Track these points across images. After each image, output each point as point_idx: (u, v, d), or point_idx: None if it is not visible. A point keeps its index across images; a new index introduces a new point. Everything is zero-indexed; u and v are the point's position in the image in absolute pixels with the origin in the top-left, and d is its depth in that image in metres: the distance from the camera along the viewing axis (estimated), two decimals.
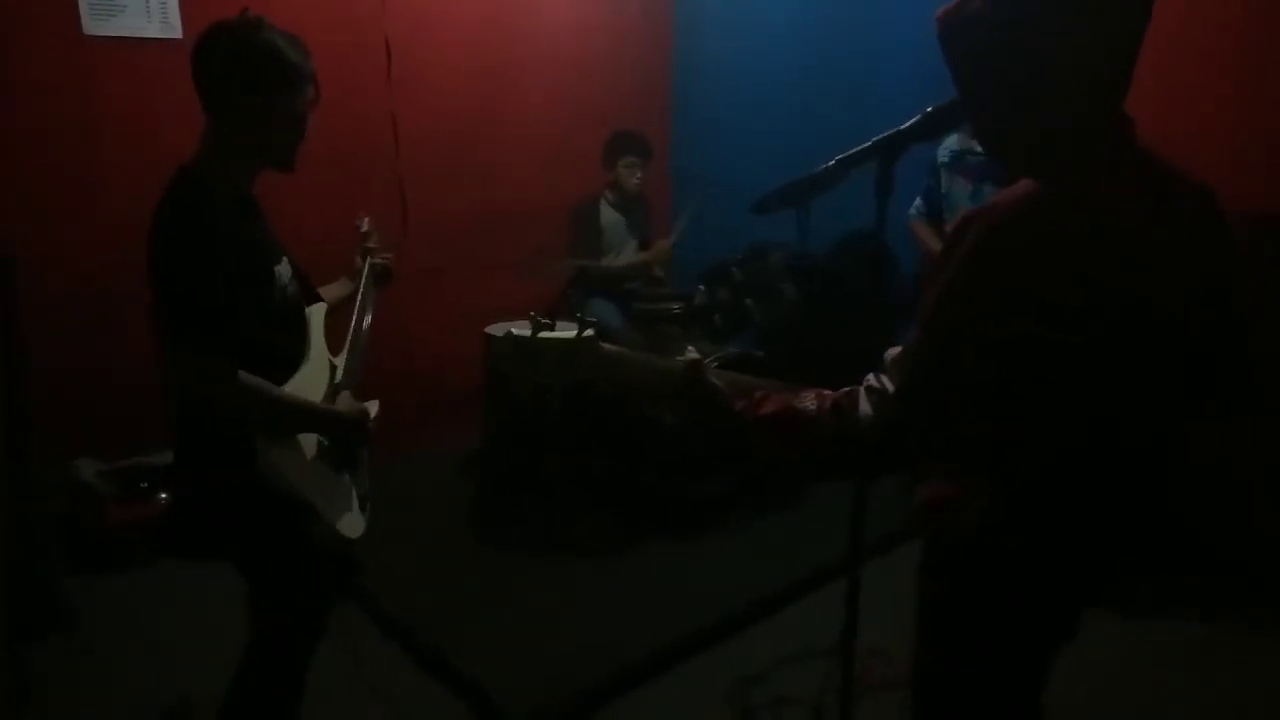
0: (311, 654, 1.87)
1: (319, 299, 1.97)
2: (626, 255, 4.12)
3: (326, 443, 1.82)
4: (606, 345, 1.36)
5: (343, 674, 2.32)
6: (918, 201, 3.37)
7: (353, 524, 1.84)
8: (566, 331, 1.35)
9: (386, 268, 2.20)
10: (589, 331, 1.34)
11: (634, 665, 2.55)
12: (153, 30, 3.21)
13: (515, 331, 1.34)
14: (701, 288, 3.73)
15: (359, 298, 2.09)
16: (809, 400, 1.26)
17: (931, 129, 1.43)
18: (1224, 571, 2.85)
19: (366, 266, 2.15)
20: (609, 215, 4.09)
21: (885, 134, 1.45)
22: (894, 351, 1.21)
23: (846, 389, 1.25)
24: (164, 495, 3.17)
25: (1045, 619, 1.33)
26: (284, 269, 1.79)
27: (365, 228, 2.22)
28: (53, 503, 3.08)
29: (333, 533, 1.75)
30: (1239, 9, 2.78)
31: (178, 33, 3.22)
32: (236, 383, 1.57)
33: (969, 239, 1.13)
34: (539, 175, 4.35)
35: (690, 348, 1.38)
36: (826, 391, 1.27)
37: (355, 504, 1.88)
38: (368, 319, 2.08)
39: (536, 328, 1.34)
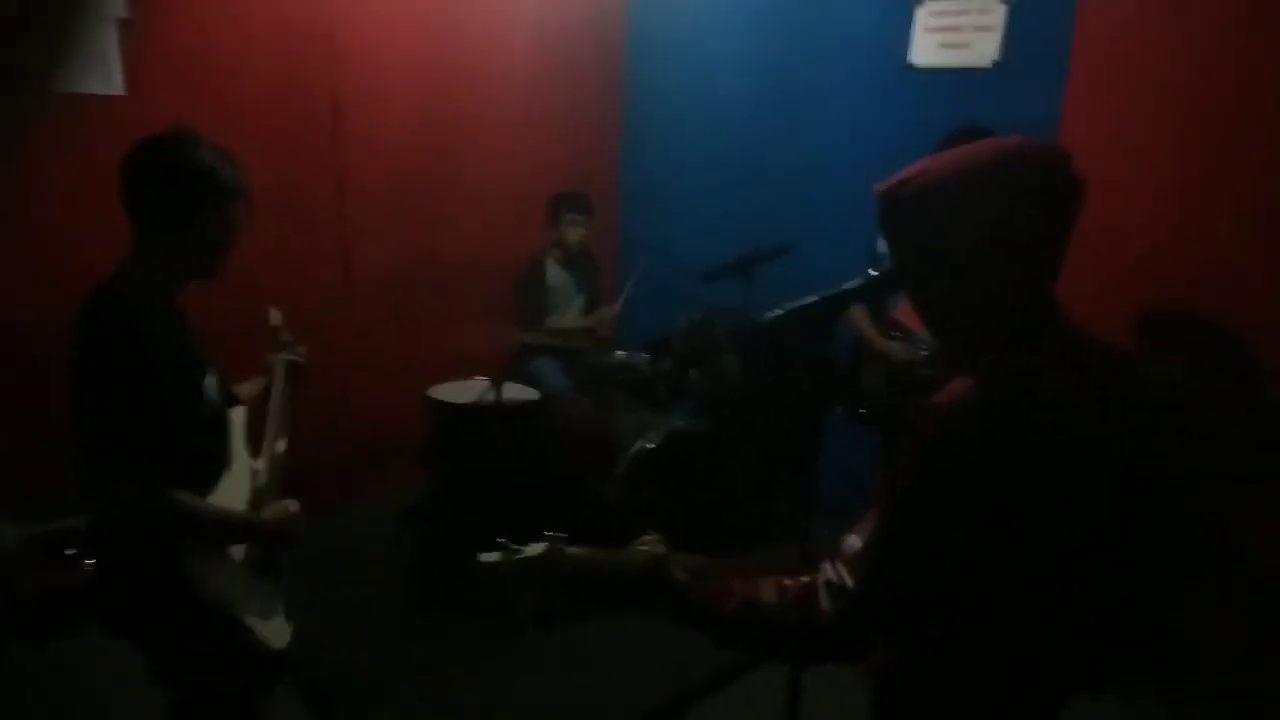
0: None
1: (239, 402, 1.95)
2: (574, 313, 4.13)
3: (251, 551, 1.80)
4: (571, 550, 1.35)
5: None
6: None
7: (278, 632, 1.83)
8: (534, 546, 1.35)
9: (299, 365, 2.15)
10: (557, 544, 1.35)
11: None
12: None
13: (484, 558, 1.34)
14: (646, 356, 3.77)
15: (273, 397, 2.06)
16: (770, 592, 1.28)
17: (874, 292, 1.48)
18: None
19: (280, 363, 2.11)
20: (555, 274, 4.11)
21: (829, 292, 1.50)
22: (853, 543, 1.23)
23: (806, 580, 1.26)
24: (90, 562, 3.08)
25: None
26: (211, 380, 1.77)
27: (276, 321, 2.19)
28: None
29: (257, 642, 1.74)
30: None
31: None
32: (169, 501, 1.56)
33: (920, 442, 1.17)
34: (486, 233, 4.35)
35: (650, 537, 1.39)
36: (787, 581, 1.28)
37: (281, 612, 1.87)
38: (287, 417, 2.06)
39: (505, 553, 1.34)
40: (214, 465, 1.78)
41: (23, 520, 3.11)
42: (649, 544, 1.37)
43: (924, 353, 3.11)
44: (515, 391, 3.58)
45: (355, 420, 3.95)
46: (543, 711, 2.71)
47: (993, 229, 1.20)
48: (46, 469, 3.03)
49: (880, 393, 3.30)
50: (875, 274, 1.47)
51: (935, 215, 1.23)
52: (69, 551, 3.09)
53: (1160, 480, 1.35)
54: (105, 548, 1.72)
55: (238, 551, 1.78)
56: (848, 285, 1.49)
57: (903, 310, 3.25)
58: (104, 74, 3.13)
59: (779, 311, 1.58)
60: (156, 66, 3.22)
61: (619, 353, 3.96)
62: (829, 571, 1.23)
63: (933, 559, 1.18)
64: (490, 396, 3.34)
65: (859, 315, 3.38)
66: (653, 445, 3.27)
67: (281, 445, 2.01)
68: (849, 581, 1.21)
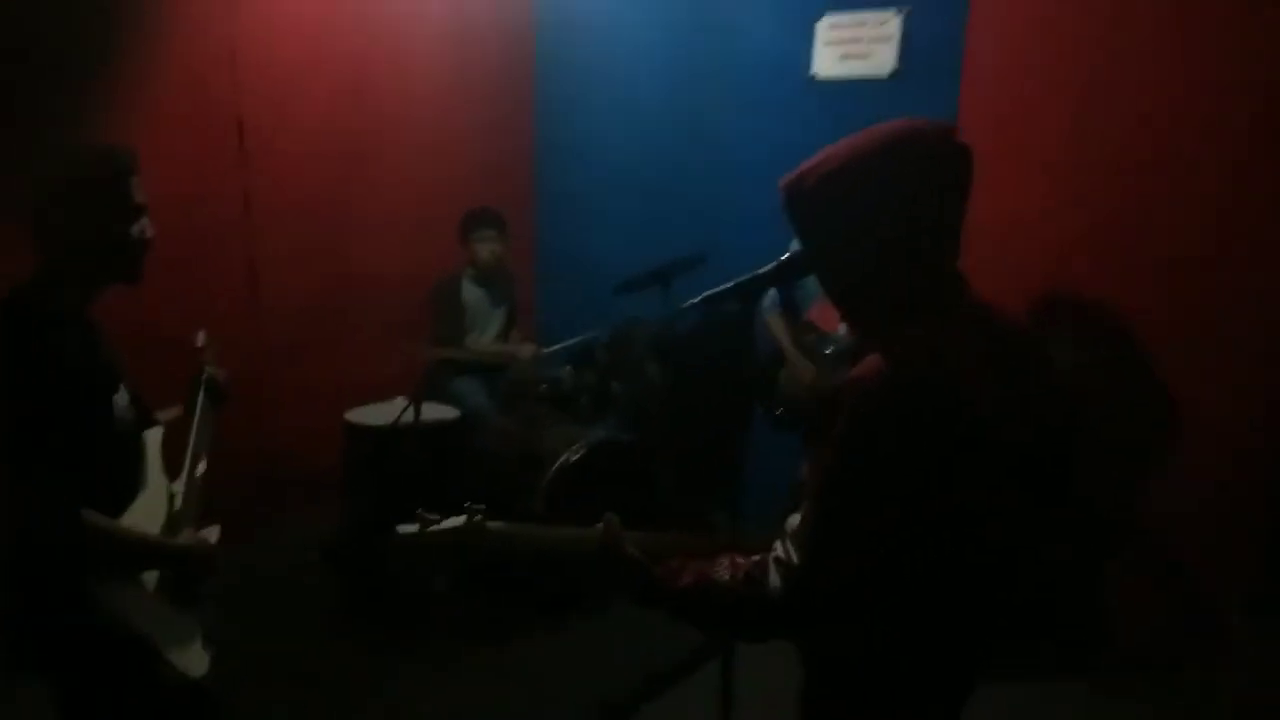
0: None
1: (155, 423, 1.89)
2: (491, 335, 4.10)
3: (167, 577, 1.73)
4: (493, 524, 1.35)
5: None
6: (772, 293, 3.51)
7: (196, 661, 1.75)
8: (453, 519, 1.33)
9: (219, 384, 2.10)
10: (477, 516, 1.33)
11: None
12: None
13: (402, 530, 1.32)
14: (568, 368, 3.76)
15: (195, 418, 2.01)
16: (723, 570, 1.30)
17: (787, 275, 1.51)
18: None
19: (199, 384, 2.06)
20: (471, 292, 4.07)
21: (743, 278, 1.53)
22: (793, 520, 1.27)
23: (757, 558, 1.29)
24: None
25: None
26: (121, 396, 1.72)
27: (201, 342, 2.14)
28: None
29: (174, 672, 1.67)
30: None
31: None
32: (76, 520, 1.49)
33: (842, 420, 1.20)
34: (399, 251, 4.29)
35: (610, 516, 1.39)
36: (740, 559, 1.31)
37: (198, 640, 1.79)
38: (208, 437, 2.00)
39: (424, 524, 1.32)
40: (126, 486, 1.72)
41: None
42: (606, 523, 1.37)
43: (829, 351, 3.22)
44: (435, 411, 3.53)
45: (268, 446, 3.83)
46: None
47: (892, 205, 1.25)
48: None
49: (797, 396, 3.37)
50: (785, 257, 1.50)
51: (837, 200, 1.28)
52: None
53: (1065, 452, 1.42)
54: (10, 575, 1.63)
55: (150, 577, 1.70)
56: (760, 270, 1.53)
57: (816, 312, 3.34)
58: None
59: (696, 300, 1.61)
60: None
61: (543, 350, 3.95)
62: (779, 549, 1.26)
63: (863, 531, 1.21)
64: (408, 417, 3.28)
65: (777, 326, 3.45)
66: (577, 457, 3.26)
67: (201, 467, 1.95)
68: (795, 557, 1.23)
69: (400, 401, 3.43)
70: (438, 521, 1.32)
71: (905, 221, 1.26)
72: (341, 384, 3.85)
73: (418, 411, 3.31)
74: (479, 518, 1.32)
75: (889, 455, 1.19)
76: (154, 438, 1.85)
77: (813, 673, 1.42)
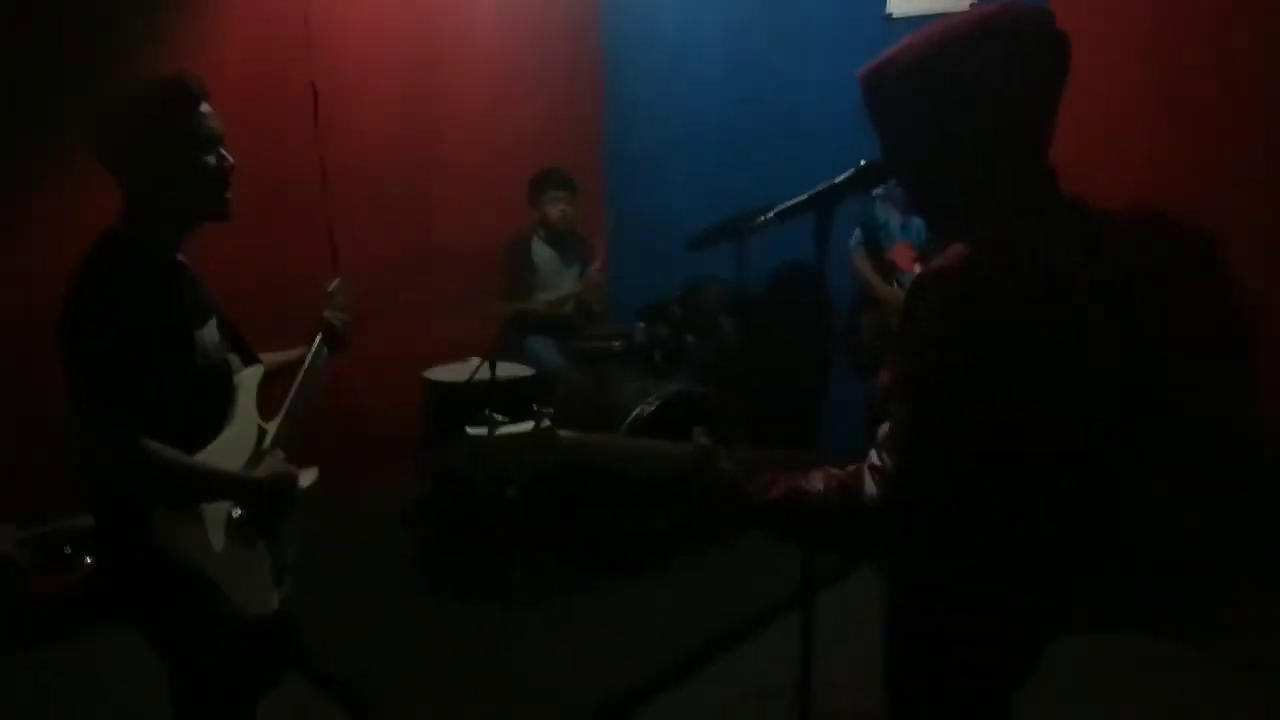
0: None
1: (256, 361, 1.90)
2: (564, 293, 4.10)
3: (239, 513, 1.73)
4: (565, 433, 1.33)
5: None
6: (856, 233, 3.43)
7: (263, 600, 1.75)
8: (522, 424, 1.32)
9: (338, 328, 2.09)
10: (545, 422, 1.32)
11: (588, 714, 2.50)
12: None
13: (471, 431, 1.30)
14: (641, 324, 3.73)
15: (307, 359, 2.01)
16: (817, 481, 1.25)
17: (865, 182, 1.45)
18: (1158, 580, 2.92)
19: (319, 326, 2.07)
20: (541, 251, 4.07)
21: (820, 187, 1.47)
22: (884, 428, 1.21)
23: (853, 468, 1.23)
24: (88, 559, 3.04)
25: (1016, 660, 1.34)
26: (208, 332, 1.72)
27: (333, 288, 2.14)
28: None
29: (238, 610, 1.66)
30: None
31: None
32: (136, 450, 1.50)
33: (922, 312, 1.14)
34: (471, 213, 4.31)
35: (699, 429, 1.37)
36: (834, 470, 1.26)
37: (268, 578, 1.80)
38: (316, 382, 2.00)
39: (492, 426, 1.31)
40: (209, 422, 1.72)
41: (20, 522, 3.07)
42: (697, 437, 1.35)
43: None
44: (509, 370, 3.54)
45: (349, 411, 3.90)
46: (547, 680, 2.66)
47: (980, 96, 1.18)
48: (44, 471, 3.00)
49: (878, 341, 3.27)
50: (864, 164, 1.43)
51: (923, 85, 1.21)
52: (66, 551, 3.05)
53: (1158, 365, 1.33)
54: (95, 506, 1.67)
55: (219, 514, 1.70)
56: (838, 179, 1.46)
57: (897, 252, 3.24)
58: None
59: (770, 214, 1.55)
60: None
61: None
62: (873, 457, 1.20)
63: (955, 427, 1.15)
64: (484, 375, 3.29)
65: (863, 265, 3.36)
66: (652, 409, 3.23)
67: (302, 409, 1.94)
68: (888, 462, 1.17)
69: (475, 361, 3.45)
70: (505, 424, 1.30)
71: (994, 114, 1.18)
72: (419, 346, 3.89)
73: (493, 369, 3.32)
74: (547, 423, 1.30)
75: (978, 343, 1.12)
76: (251, 376, 1.85)
77: (899, 595, 1.36)
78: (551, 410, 1.33)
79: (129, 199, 1.63)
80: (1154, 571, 2.85)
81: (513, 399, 3.43)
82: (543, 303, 3.98)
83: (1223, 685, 2.65)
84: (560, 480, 3.27)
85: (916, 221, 3.20)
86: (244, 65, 3.47)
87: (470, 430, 1.30)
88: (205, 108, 1.65)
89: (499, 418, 1.31)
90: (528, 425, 1.31)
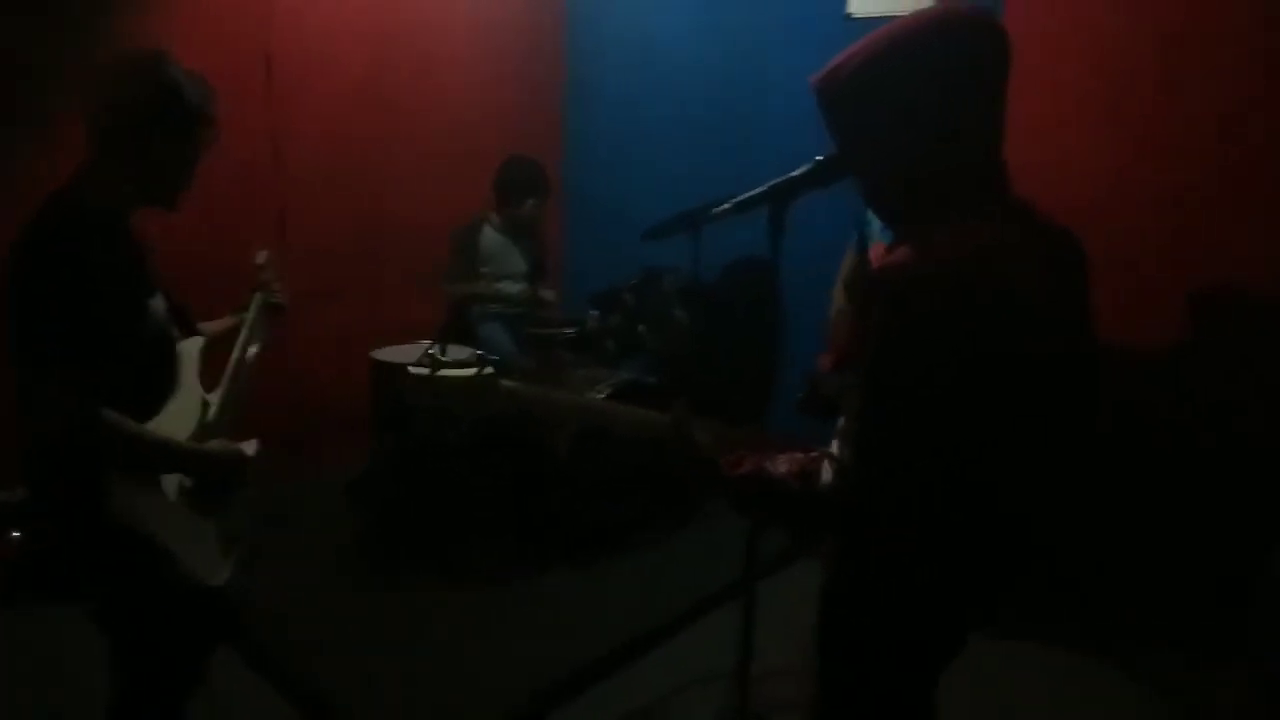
0: (180, 711, 1.77)
1: (196, 332, 1.89)
2: (512, 275, 4.05)
3: (190, 484, 1.72)
4: (506, 382, 1.35)
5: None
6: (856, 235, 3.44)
7: (215, 570, 1.76)
8: (464, 369, 1.33)
9: (277, 305, 2.12)
10: (489, 369, 1.32)
11: (529, 698, 2.50)
12: None
13: (413, 370, 1.30)
14: (594, 312, 3.72)
15: (244, 332, 2.01)
16: (781, 464, 1.31)
17: (821, 177, 1.47)
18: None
19: (256, 299, 2.07)
20: (491, 237, 4.01)
21: (777, 181, 1.49)
22: (840, 422, 1.25)
23: (815, 453, 1.31)
24: (16, 533, 2.96)
25: (944, 641, 1.39)
26: (158, 302, 1.72)
27: (262, 260, 2.15)
28: None
29: (191, 579, 1.67)
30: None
31: None
32: (96, 418, 1.49)
33: (875, 315, 1.17)
34: (427, 195, 4.27)
35: (680, 400, 1.41)
36: (799, 454, 1.32)
37: (219, 549, 1.79)
38: (252, 353, 2.00)
39: (435, 365, 1.31)
40: (156, 391, 1.72)
41: None
42: (676, 407, 1.41)
43: None
44: (458, 353, 3.50)
45: (295, 389, 3.85)
46: (488, 664, 2.65)
47: (929, 94, 1.21)
48: None
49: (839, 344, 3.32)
50: (820, 159, 1.45)
51: (872, 91, 1.23)
52: None
53: (1093, 368, 1.37)
54: (35, 475, 1.63)
55: (171, 484, 1.70)
56: (794, 173, 1.48)
57: (874, 251, 3.28)
58: None
59: (727, 205, 1.57)
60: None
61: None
62: (834, 447, 1.27)
63: (910, 423, 1.18)
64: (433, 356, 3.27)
65: (845, 261, 3.38)
66: (602, 396, 3.23)
67: (243, 380, 1.96)
68: (845, 455, 1.23)
69: (425, 344, 3.42)
70: (446, 364, 1.33)
71: (938, 115, 1.21)
72: (370, 326, 3.85)
73: (443, 351, 3.30)
74: (489, 370, 1.31)
75: (920, 346, 1.15)
76: (192, 346, 1.85)
77: (842, 573, 1.40)
78: (497, 359, 1.36)
79: (101, 166, 1.61)
80: (1078, 580, 2.94)
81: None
82: (491, 288, 3.93)
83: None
84: (512, 459, 3.25)
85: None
86: (197, 30, 3.39)
87: (412, 369, 1.30)
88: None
89: (442, 357, 1.32)
90: (470, 372, 1.33)
